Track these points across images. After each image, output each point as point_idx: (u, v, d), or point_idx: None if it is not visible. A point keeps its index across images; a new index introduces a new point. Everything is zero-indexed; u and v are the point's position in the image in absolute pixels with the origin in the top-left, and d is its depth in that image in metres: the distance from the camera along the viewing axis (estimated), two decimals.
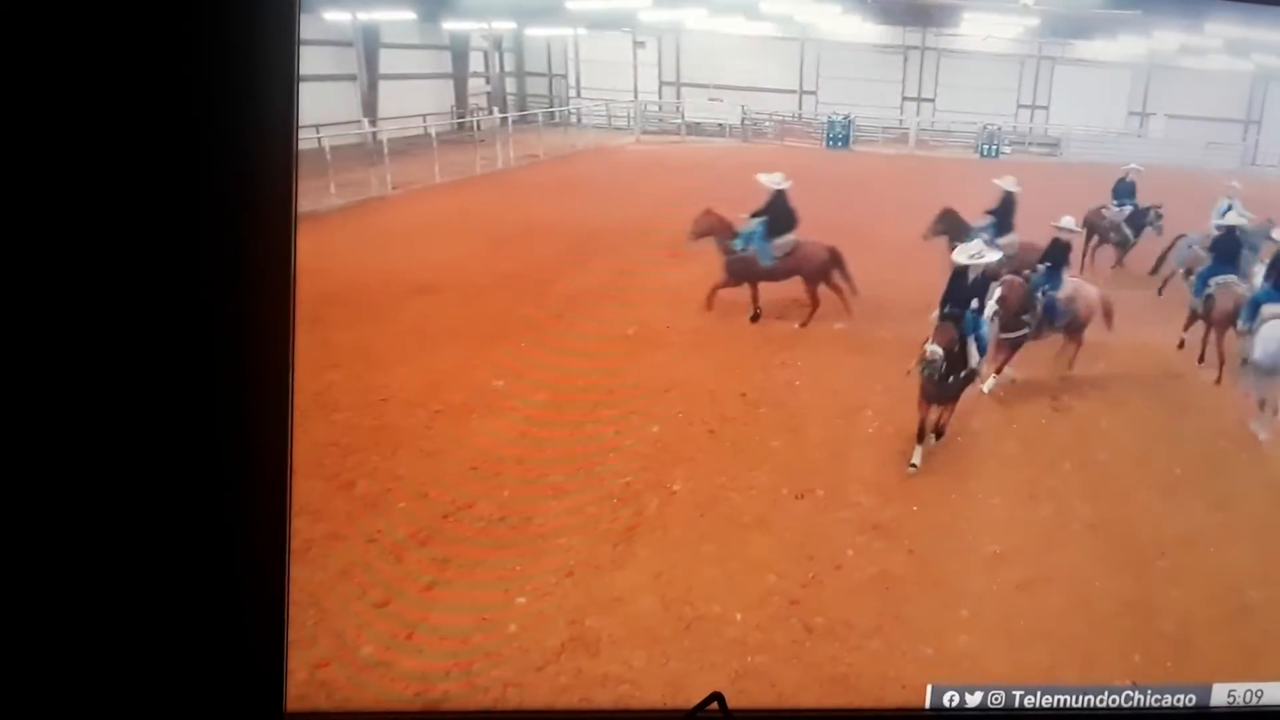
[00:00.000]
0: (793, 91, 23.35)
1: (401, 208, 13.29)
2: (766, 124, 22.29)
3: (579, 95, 21.24)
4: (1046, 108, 24.78)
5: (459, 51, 18.91)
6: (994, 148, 23.73)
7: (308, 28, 14.89)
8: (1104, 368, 7.83)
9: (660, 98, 21.84)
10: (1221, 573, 5.69)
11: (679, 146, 18.43)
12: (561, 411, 7.01)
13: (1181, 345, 7.73)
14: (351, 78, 16.60)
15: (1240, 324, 7.37)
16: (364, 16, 15.83)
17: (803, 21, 21.75)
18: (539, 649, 4.71)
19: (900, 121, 24.13)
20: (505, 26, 19.06)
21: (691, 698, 4.54)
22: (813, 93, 23.66)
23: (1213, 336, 7.42)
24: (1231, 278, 7.75)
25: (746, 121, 22.01)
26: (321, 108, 15.55)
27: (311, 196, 12.83)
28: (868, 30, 23.30)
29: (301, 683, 4.39)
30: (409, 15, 16.63)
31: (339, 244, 11.32)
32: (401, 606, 4.85)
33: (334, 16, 15.96)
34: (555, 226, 12.67)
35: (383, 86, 16.89)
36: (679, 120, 21.28)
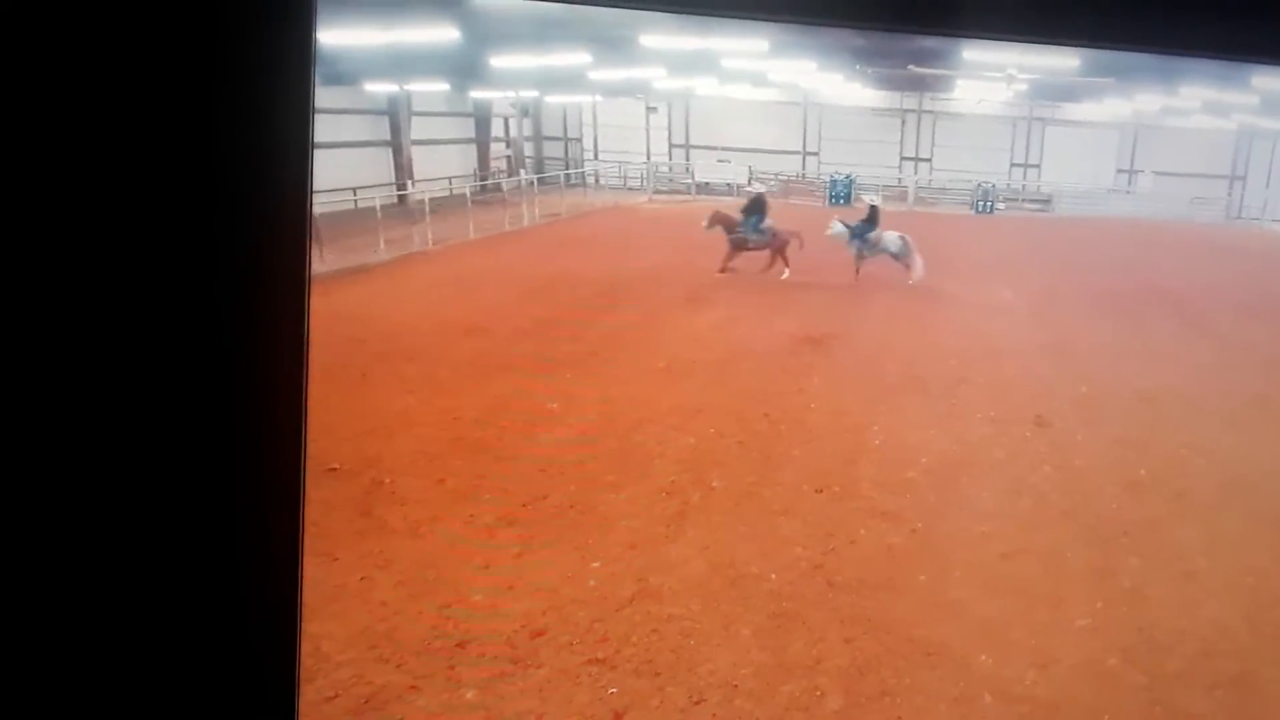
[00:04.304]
0: (796, 152, 25.63)
1: (444, 261, 15.08)
2: (772, 183, 24.45)
3: (596, 158, 23.39)
4: (1038, 166, 27.04)
5: (482, 118, 21.03)
6: (988, 204, 25.96)
7: (345, 98, 17.01)
8: None
9: (670, 159, 23.95)
10: None
11: (689, 205, 20.44)
12: (611, 427, 8.57)
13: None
14: (385, 144, 18.67)
15: (859, 241, 16.46)
16: (399, 87, 17.83)
17: (806, 88, 24.11)
18: (615, 597, 6.12)
19: (899, 180, 26.39)
20: (527, 94, 21.18)
21: (740, 631, 5.98)
22: (815, 154, 25.98)
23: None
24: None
25: (753, 181, 24.04)
26: (358, 171, 17.55)
27: (364, 251, 14.71)
28: (867, 95, 25.70)
29: (432, 617, 5.84)
30: (442, 86, 18.68)
31: (395, 291, 13.03)
32: (500, 569, 6.29)
33: (372, 87, 17.97)
34: (582, 277, 14.44)
35: (414, 151, 18.92)
36: (689, 180, 23.36)
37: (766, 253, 16.08)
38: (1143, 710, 5.33)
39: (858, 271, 16.29)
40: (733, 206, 16.72)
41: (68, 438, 1.77)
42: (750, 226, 16.05)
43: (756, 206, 16.38)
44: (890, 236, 16.44)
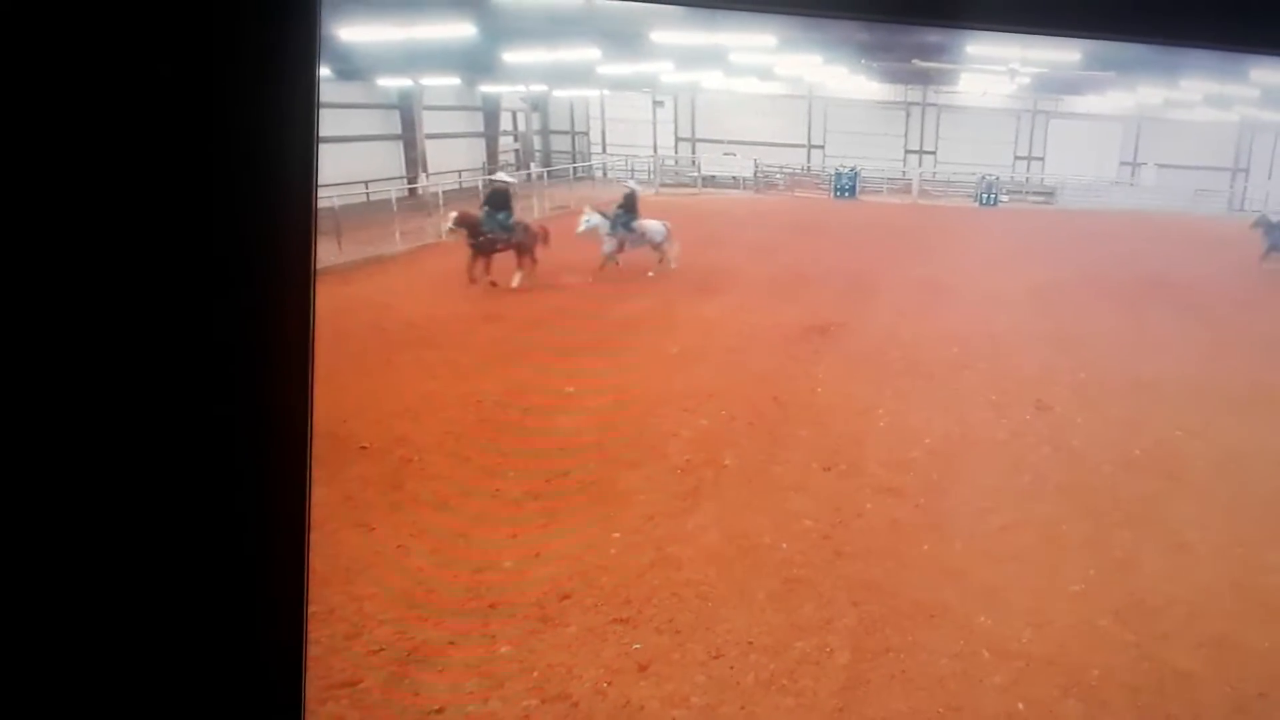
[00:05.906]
0: (802, 146, 26.01)
1: (459, 252, 15.45)
2: (777, 176, 24.86)
3: (603, 151, 23.77)
4: (1042, 159, 27.34)
5: (490, 112, 21.42)
6: (992, 196, 26.32)
7: (358, 93, 17.49)
8: None
9: (676, 153, 24.33)
10: None
11: (695, 198, 20.93)
12: (626, 410, 9.02)
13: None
14: (396, 137, 19.08)
15: (622, 231, 15.25)
16: (411, 82, 18.25)
17: (811, 81, 24.46)
18: (636, 563, 6.58)
19: (903, 173, 26.75)
20: (536, 89, 21.61)
21: (755, 595, 6.44)
22: (820, 147, 26.36)
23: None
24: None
25: (759, 174, 24.58)
26: (370, 165, 17.97)
27: (380, 243, 15.14)
28: (872, 88, 26.05)
29: (466, 581, 6.31)
30: (452, 80, 19.09)
31: (414, 281, 13.47)
32: (527, 538, 6.76)
33: (383, 82, 18.41)
34: (590, 266, 14.83)
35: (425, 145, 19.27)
36: (695, 174, 23.75)
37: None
38: (1131, 665, 5.79)
39: (603, 266, 14.88)
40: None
41: (75, 427, 1.84)
42: (498, 224, 13.97)
43: (501, 200, 14.24)
44: (654, 225, 15.43)
